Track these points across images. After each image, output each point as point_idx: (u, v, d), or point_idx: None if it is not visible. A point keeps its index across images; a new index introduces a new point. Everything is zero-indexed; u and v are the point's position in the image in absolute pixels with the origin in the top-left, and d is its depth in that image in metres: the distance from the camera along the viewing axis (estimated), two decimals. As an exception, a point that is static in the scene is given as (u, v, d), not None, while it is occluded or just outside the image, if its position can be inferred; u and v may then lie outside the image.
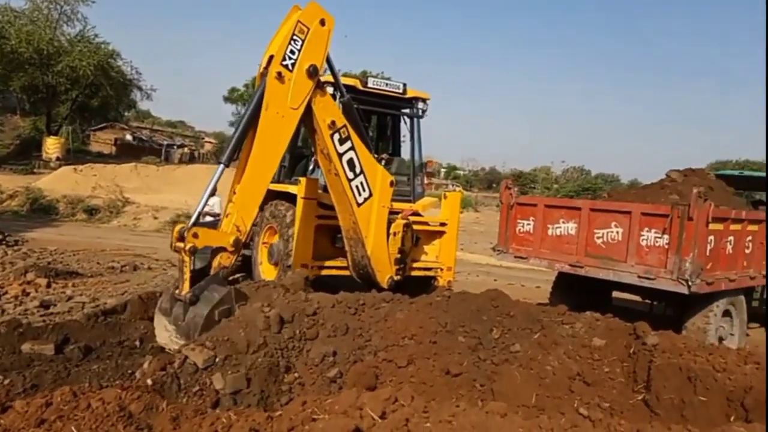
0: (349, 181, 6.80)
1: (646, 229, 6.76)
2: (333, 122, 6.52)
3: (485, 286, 6.77)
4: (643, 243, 6.79)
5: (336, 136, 6.58)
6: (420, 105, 9.01)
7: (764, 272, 7.82)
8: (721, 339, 7.17)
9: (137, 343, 5.87)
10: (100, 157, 36.59)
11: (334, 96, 7.00)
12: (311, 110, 6.30)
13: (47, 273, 9.10)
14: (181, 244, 5.28)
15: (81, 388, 3.56)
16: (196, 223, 5.43)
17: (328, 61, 6.46)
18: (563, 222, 7.61)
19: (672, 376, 4.26)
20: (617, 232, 7.04)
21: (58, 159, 31.02)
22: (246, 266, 8.46)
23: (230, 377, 4.36)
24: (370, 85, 8.44)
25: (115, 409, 3.31)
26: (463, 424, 2.84)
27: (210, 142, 58.30)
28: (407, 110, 9.11)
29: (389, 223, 7.45)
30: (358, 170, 6.85)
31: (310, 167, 8.58)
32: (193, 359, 4.43)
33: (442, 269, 8.75)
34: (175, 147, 50.31)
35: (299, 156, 8.99)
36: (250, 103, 6.03)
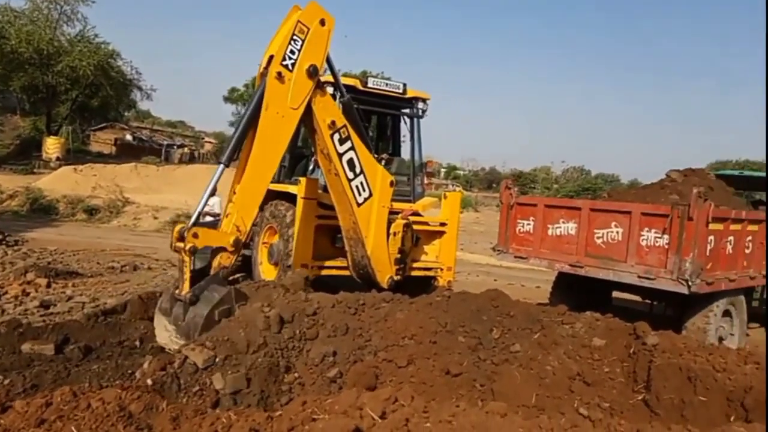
0: (349, 181, 6.80)
1: (646, 229, 6.76)
2: (333, 122, 6.52)
3: (485, 286, 6.78)
4: (643, 243, 6.79)
5: (336, 136, 6.58)
6: (420, 105, 9.01)
7: (764, 272, 7.82)
8: (721, 339, 7.17)
9: (137, 343, 5.87)
10: (100, 157, 36.60)
11: (334, 96, 7.01)
12: (311, 110, 6.30)
13: (47, 273, 9.10)
14: (181, 244, 5.28)
15: (81, 388, 3.56)
16: (196, 223, 5.43)
17: (328, 61, 6.47)
18: (563, 222, 7.61)
19: (672, 376, 4.26)
20: (617, 232, 7.04)
21: (58, 159, 31.02)
22: (246, 266, 8.46)
23: (230, 377, 4.36)
24: (370, 85, 8.44)
25: (115, 409, 3.31)
26: (463, 424, 2.84)
27: (210, 142, 58.31)
28: (407, 110, 9.11)
29: (389, 223, 7.45)
30: (358, 170, 6.85)
31: (310, 167, 8.58)
32: (193, 359, 4.43)
33: (442, 269, 8.76)
34: (175, 147, 50.31)
35: (299, 156, 9.00)
36: (250, 103, 6.04)
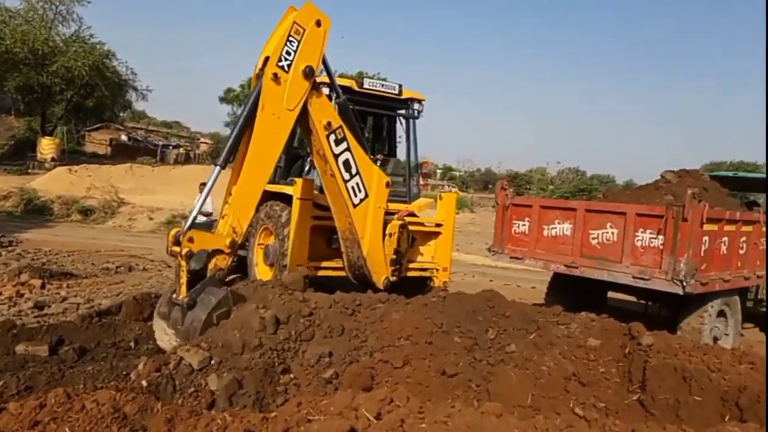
0: (345, 182, 6.80)
1: (641, 229, 6.79)
2: (329, 123, 6.52)
3: (481, 287, 6.79)
4: (638, 244, 6.81)
5: (332, 137, 6.58)
6: (416, 106, 9.03)
7: (758, 273, 7.86)
8: (715, 339, 7.20)
9: (132, 344, 5.85)
10: (95, 158, 36.46)
11: (330, 97, 7.00)
12: (307, 111, 6.30)
13: (41, 274, 9.07)
14: (177, 249, 5.26)
15: (75, 390, 3.55)
16: (191, 227, 5.42)
17: (324, 62, 6.47)
18: (558, 223, 7.63)
19: (667, 376, 4.27)
20: (612, 233, 7.06)
21: (52, 159, 30.89)
22: (241, 267, 8.45)
23: (225, 378, 4.35)
24: (365, 86, 8.45)
25: (110, 410, 3.30)
26: (459, 425, 2.84)
27: (205, 143, 58.18)
28: (403, 111, 9.12)
29: (385, 223, 7.45)
30: (354, 171, 6.85)
31: (306, 168, 8.58)
32: (188, 360, 4.42)
33: (437, 270, 8.77)
34: (170, 147, 50.19)
35: (295, 157, 8.99)
36: (246, 104, 6.03)
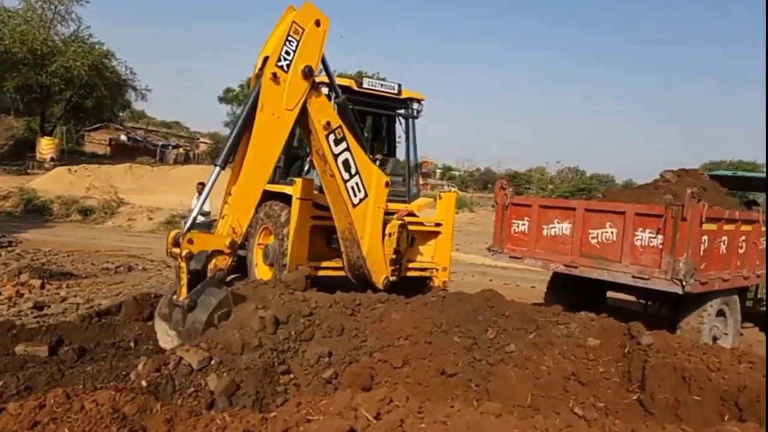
0: (345, 181, 6.81)
1: (641, 229, 6.79)
2: (328, 123, 6.52)
3: (480, 287, 6.79)
4: (638, 243, 6.81)
5: (331, 137, 6.58)
6: (415, 105, 9.03)
7: (757, 272, 7.86)
8: (715, 338, 7.20)
9: (132, 344, 5.85)
10: (95, 158, 36.43)
11: (329, 97, 7.00)
12: (306, 111, 6.30)
13: (41, 274, 9.06)
14: (177, 250, 5.26)
15: (74, 390, 3.54)
16: (191, 229, 5.41)
17: (323, 61, 6.47)
18: (558, 222, 7.63)
19: (666, 376, 4.28)
20: (612, 233, 7.06)
21: (52, 159, 30.86)
22: (241, 267, 8.45)
23: (225, 378, 4.35)
24: (365, 85, 8.45)
25: (109, 411, 3.29)
26: (458, 425, 2.84)
27: (205, 143, 58.12)
28: (402, 111, 9.12)
29: (385, 223, 7.45)
30: (353, 171, 6.85)
31: (306, 168, 8.58)
32: (188, 360, 4.42)
33: (437, 269, 8.77)
34: (169, 147, 50.16)
35: (294, 157, 8.99)
36: (245, 104, 6.03)
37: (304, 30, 6.02)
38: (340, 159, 6.70)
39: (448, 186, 53.41)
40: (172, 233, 5.42)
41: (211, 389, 4.26)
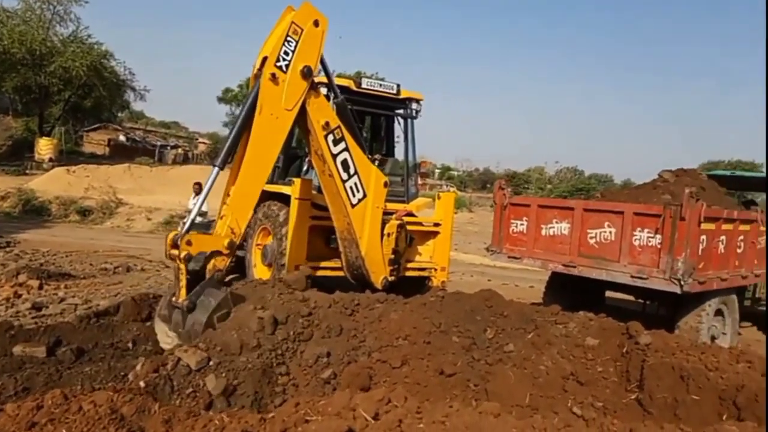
0: (343, 182, 6.80)
1: (639, 229, 6.79)
2: (327, 123, 6.52)
3: (479, 286, 6.79)
4: (636, 243, 6.82)
5: (330, 137, 6.57)
6: (413, 106, 9.03)
7: (756, 271, 7.87)
8: (713, 338, 7.21)
9: (130, 344, 5.84)
10: (93, 158, 36.39)
11: (327, 97, 7.00)
12: (305, 111, 6.29)
13: (39, 275, 9.05)
14: (176, 252, 5.25)
15: (72, 391, 3.54)
16: (189, 230, 5.41)
17: (322, 61, 6.47)
18: (556, 222, 7.63)
19: (665, 375, 4.28)
20: (610, 232, 7.07)
21: (50, 160, 30.83)
22: (239, 267, 8.44)
23: (223, 379, 4.35)
24: (363, 85, 8.45)
25: (107, 411, 3.29)
26: (457, 425, 2.84)
27: (204, 143, 58.08)
28: (401, 111, 9.12)
29: (383, 223, 7.45)
30: (352, 171, 6.85)
31: (304, 168, 8.58)
32: (186, 361, 4.41)
33: (436, 269, 8.77)
34: (168, 148, 50.13)
35: (293, 157, 8.99)
36: (244, 104, 6.03)
37: (302, 30, 6.02)
38: (339, 159, 6.70)
39: (447, 186, 53.45)
40: (171, 235, 5.42)
41: (209, 390, 4.26)
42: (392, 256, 7.58)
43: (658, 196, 7.53)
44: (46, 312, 7.26)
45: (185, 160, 46.07)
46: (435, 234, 8.84)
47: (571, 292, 8.06)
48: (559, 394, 4.42)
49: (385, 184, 7.32)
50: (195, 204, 5.98)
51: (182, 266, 5.24)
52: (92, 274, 10.29)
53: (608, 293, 8.84)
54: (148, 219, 19.87)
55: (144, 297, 6.93)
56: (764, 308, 9.21)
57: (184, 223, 5.67)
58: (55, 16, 33.29)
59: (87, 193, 22.02)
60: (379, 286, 7.31)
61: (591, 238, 7.26)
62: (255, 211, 7.64)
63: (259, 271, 8.26)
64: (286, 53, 5.95)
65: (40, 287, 8.52)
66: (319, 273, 7.89)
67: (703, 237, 6.66)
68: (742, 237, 7.50)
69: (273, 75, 5.87)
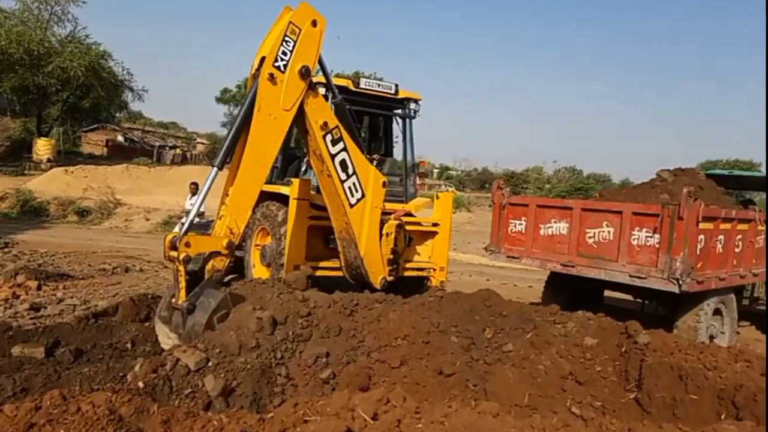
0: (342, 182, 6.80)
1: (637, 228, 6.80)
2: (325, 123, 6.51)
3: (478, 286, 6.79)
4: (634, 242, 6.82)
5: (328, 137, 6.57)
6: (412, 105, 9.03)
7: (754, 271, 7.89)
8: (711, 337, 7.22)
9: (128, 345, 5.84)
10: (92, 159, 36.36)
11: (326, 97, 7.00)
12: (303, 111, 6.29)
13: (38, 275, 9.04)
14: (175, 253, 5.25)
15: (71, 392, 3.53)
16: (187, 232, 5.40)
17: (320, 61, 6.46)
18: (555, 222, 7.64)
19: (663, 375, 4.28)
20: (608, 232, 7.08)
21: (48, 160, 30.78)
22: (238, 267, 8.43)
23: (222, 379, 4.35)
24: (362, 85, 8.45)
25: (105, 412, 3.28)
26: (455, 425, 2.84)
27: (202, 143, 58.03)
28: (399, 111, 9.12)
29: (382, 223, 7.45)
30: (350, 171, 6.85)
31: (303, 168, 8.57)
32: (185, 361, 4.41)
33: (434, 269, 8.76)
34: (167, 148, 50.08)
35: (291, 157, 8.99)
36: (242, 105, 6.02)
37: (300, 30, 6.02)
38: (337, 159, 6.70)
39: (446, 186, 53.49)
40: (169, 236, 5.41)
41: (208, 390, 4.25)
42: (391, 256, 7.58)
43: (656, 195, 7.54)
44: (44, 313, 7.25)
45: (184, 160, 46.02)
46: (434, 234, 8.84)
47: (569, 291, 8.07)
48: (558, 394, 4.42)
49: (384, 184, 7.32)
50: (192, 204, 5.97)
51: (181, 268, 5.24)
52: (91, 274, 10.29)
53: (607, 293, 8.85)
54: (147, 219, 19.86)
55: (142, 297, 6.92)
56: (762, 307, 9.24)
57: (183, 224, 5.67)
58: (53, 16, 33.28)
59: (85, 193, 22.01)
60: (377, 286, 7.31)
61: (589, 237, 7.27)
62: (254, 212, 7.64)
63: (258, 271, 8.26)
64: (284, 53, 5.94)
65: (39, 288, 8.51)
66: (318, 273, 7.89)
67: (702, 236, 6.67)
68: (740, 236, 7.51)
69: (271, 75, 5.87)
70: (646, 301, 8.55)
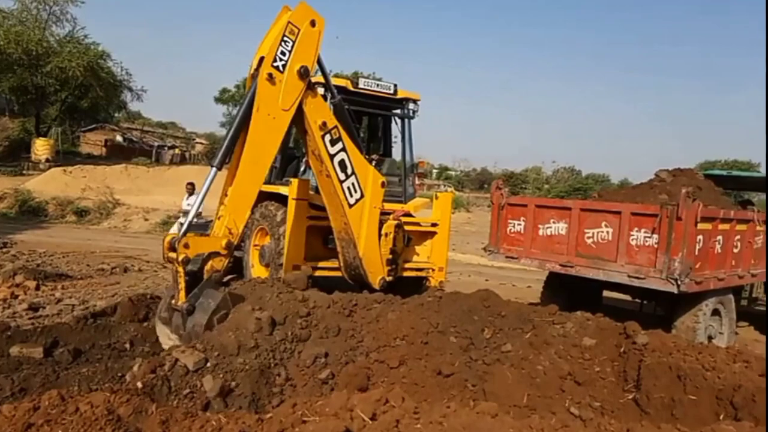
0: (341, 182, 6.80)
1: (636, 228, 6.81)
2: (324, 123, 6.51)
3: (477, 286, 6.79)
4: (633, 243, 6.83)
5: (327, 137, 6.57)
6: (411, 105, 9.03)
7: (752, 271, 7.89)
8: (710, 338, 7.23)
9: (127, 345, 5.84)
10: (90, 159, 36.35)
11: (325, 97, 7.00)
12: (302, 111, 6.29)
13: (36, 275, 9.03)
14: (174, 255, 5.25)
15: (69, 392, 3.52)
16: (186, 233, 5.40)
17: (319, 61, 6.46)
18: (554, 222, 7.64)
19: (662, 375, 4.29)
20: (607, 232, 7.08)
21: (47, 160, 30.75)
22: (237, 267, 8.43)
23: (221, 379, 4.35)
24: (361, 85, 8.45)
25: (104, 412, 3.28)
26: (454, 425, 2.84)
27: (201, 143, 58.03)
28: (398, 111, 9.12)
29: (381, 224, 7.45)
30: (349, 171, 6.84)
31: (302, 168, 8.57)
32: (183, 361, 4.41)
33: (433, 270, 8.76)
34: (165, 148, 50.06)
35: (290, 157, 8.98)
36: (241, 105, 6.02)
37: (299, 30, 6.02)
38: (336, 159, 6.70)
39: (445, 186, 53.51)
40: (168, 238, 5.40)
41: (206, 390, 4.25)
42: (390, 257, 7.57)
43: (655, 196, 7.55)
44: (43, 313, 7.25)
45: (182, 160, 46.02)
46: (432, 234, 8.84)
47: (568, 291, 8.07)
48: (557, 394, 4.43)
49: (383, 185, 7.32)
50: (189, 204, 5.96)
51: (180, 269, 5.24)
52: (89, 274, 10.27)
53: (605, 293, 8.86)
54: (146, 219, 19.85)
55: (141, 297, 6.92)
56: (760, 308, 9.25)
57: (181, 224, 5.66)
58: (52, 16, 33.24)
59: (84, 193, 21.99)
60: (376, 286, 7.31)
61: (588, 237, 7.27)
62: (252, 212, 7.64)
63: (257, 271, 8.25)
64: (282, 53, 5.94)
65: (37, 288, 8.50)
66: (317, 273, 7.89)
67: (700, 237, 6.68)
68: (738, 237, 7.52)
69: (270, 75, 5.87)
70: (645, 302, 8.56)
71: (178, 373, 4.31)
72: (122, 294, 8.32)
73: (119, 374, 4.71)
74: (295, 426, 2.91)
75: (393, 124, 9.52)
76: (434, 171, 66.74)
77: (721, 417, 3.88)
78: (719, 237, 7.11)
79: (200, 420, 3.32)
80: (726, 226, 7.21)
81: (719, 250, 7.16)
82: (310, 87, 6.30)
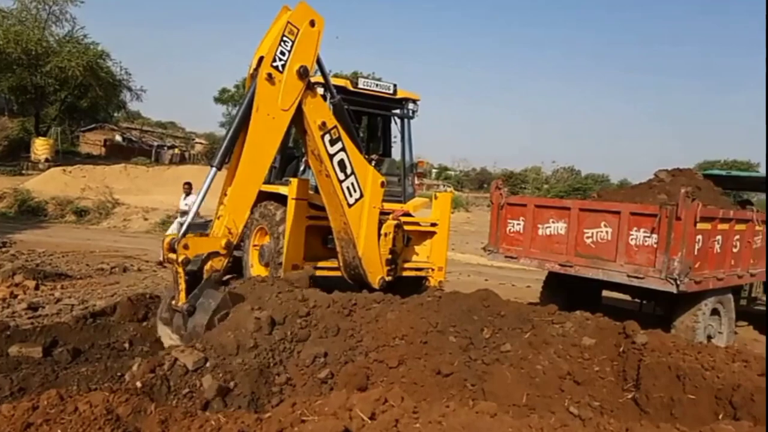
0: (340, 182, 6.80)
1: (635, 228, 6.81)
2: (323, 123, 6.51)
3: (476, 286, 6.79)
4: (632, 242, 6.83)
5: (327, 137, 6.57)
6: (410, 105, 9.03)
7: (752, 271, 7.90)
8: (709, 337, 7.23)
9: (126, 345, 5.82)
10: (90, 158, 36.35)
11: (324, 97, 7.00)
12: (302, 111, 6.29)
13: (36, 275, 9.02)
14: (174, 256, 5.25)
15: (68, 392, 3.52)
16: (186, 234, 5.40)
17: (319, 61, 6.46)
18: (553, 222, 7.65)
19: (661, 375, 4.29)
20: (606, 232, 7.08)
21: (46, 160, 30.75)
22: (237, 267, 8.43)
23: (220, 379, 4.35)
24: (360, 85, 8.45)
25: (103, 412, 3.27)
26: (453, 425, 2.84)
27: (200, 143, 58.03)
28: (398, 111, 9.12)
29: (380, 223, 7.45)
30: (348, 171, 6.85)
31: (301, 168, 8.58)
32: (183, 361, 4.41)
33: (433, 269, 8.77)
34: (165, 148, 50.05)
35: (290, 157, 8.98)
36: (240, 105, 6.02)
37: (298, 30, 6.02)
38: (336, 159, 6.70)
39: (444, 186, 53.49)
40: (167, 239, 5.40)
41: (205, 390, 4.25)
42: (389, 256, 7.58)
43: (654, 195, 7.55)
44: (42, 312, 7.24)
45: (182, 160, 46.01)
46: (432, 234, 8.84)
47: (567, 291, 8.08)
48: (556, 394, 4.43)
49: (382, 184, 7.32)
50: (186, 204, 5.96)
51: (180, 270, 5.24)
52: (89, 274, 10.27)
53: (605, 293, 8.86)
54: (145, 219, 19.84)
55: (140, 297, 6.91)
56: (760, 307, 9.25)
57: (180, 224, 5.66)
58: (51, 15, 33.27)
59: (83, 193, 21.98)
60: (376, 285, 7.31)
61: (587, 237, 7.27)
62: (252, 212, 7.64)
63: (256, 271, 8.26)
64: (282, 53, 5.94)
65: (37, 287, 8.50)
66: (317, 273, 7.89)
67: (699, 237, 6.68)
68: (737, 237, 7.52)
69: (269, 75, 5.87)
70: (644, 301, 8.56)
71: (178, 373, 4.31)
72: (121, 294, 8.32)
73: (118, 374, 4.70)
74: (294, 425, 2.91)
75: (392, 124, 9.53)
76: (434, 171, 66.76)
77: (720, 416, 3.89)
78: (718, 237, 7.11)
79: (199, 420, 3.32)
80: (725, 226, 7.21)
81: (718, 250, 7.16)
82: (310, 87, 6.30)
